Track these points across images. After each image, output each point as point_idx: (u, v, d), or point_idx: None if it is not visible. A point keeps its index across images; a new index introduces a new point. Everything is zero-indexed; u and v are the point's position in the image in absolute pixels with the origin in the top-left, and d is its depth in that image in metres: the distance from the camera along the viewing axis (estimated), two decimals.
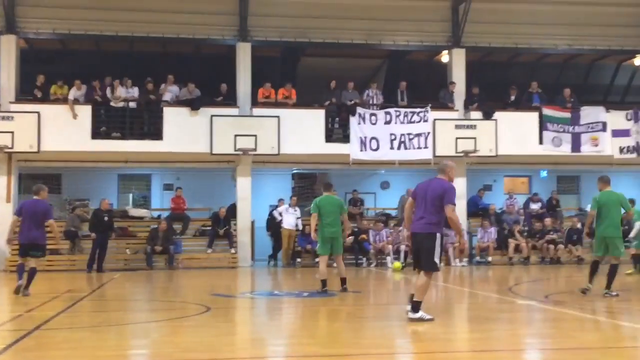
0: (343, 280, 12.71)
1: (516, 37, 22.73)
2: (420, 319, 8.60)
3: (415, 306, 8.65)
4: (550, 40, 22.96)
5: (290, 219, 20.85)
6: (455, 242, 20.74)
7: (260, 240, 21.98)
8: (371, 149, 20.85)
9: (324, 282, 12.43)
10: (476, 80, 23.26)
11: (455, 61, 22.33)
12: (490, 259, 20.82)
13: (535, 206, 22.68)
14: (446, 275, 17.67)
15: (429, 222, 8.63)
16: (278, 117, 20.46)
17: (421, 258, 8.73)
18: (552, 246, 21.09)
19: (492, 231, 21.21)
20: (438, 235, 8.65)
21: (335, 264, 13.31)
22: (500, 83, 24.06)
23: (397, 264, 19.09)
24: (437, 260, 8.65)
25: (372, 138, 20.79)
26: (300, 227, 20.81)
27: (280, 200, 21.65)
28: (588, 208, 19.36)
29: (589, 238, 13.85)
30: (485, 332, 8.56)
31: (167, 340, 7.91)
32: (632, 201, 15.63)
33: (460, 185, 21.96)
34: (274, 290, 14.53)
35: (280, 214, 21.15)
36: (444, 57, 22.83)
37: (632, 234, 16.15)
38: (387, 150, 20.90)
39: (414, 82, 23.96)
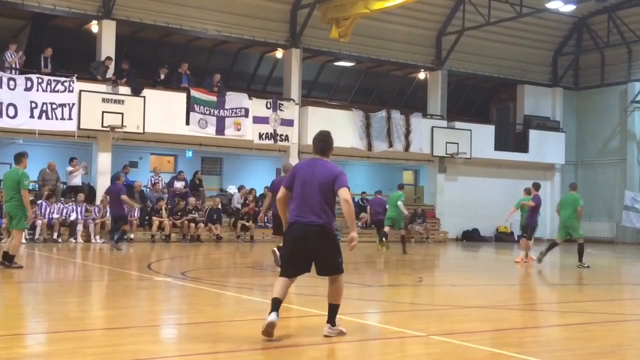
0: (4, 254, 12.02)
1: (168, 17, 22.86)
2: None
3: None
4: (201, 24, 23.54)
5: None
6: (97, 218, 20.29)
7: None
8: (8, 116, 19.30)
9: None
10: (127, 55, 22.90)
11: (105, 33, 21.67)
12: (132, 235, 20.70)
13: (179, 185, 23.13)
14: (85, 252, 17.16)
15: None
16: None
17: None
18: (193, 224, 21.75)
19: (136, 208, 21.11)
20: None
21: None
22: (151, 61, 24.03)
23: None
24: None
25: (10, 104, 19.25)
26: None
27: None
28: (233, 189, 21.70)
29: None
30: (121, 309, 8.51)
31: None
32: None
33: (105, 160, 21.53)
34: None
35: None
36: (94, 27, 22.01)
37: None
38: (26, 118, 19.54)
39: (61, 49, 22.74)
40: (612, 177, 29.82)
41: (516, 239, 20.56)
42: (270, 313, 6.53)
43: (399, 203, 18.94)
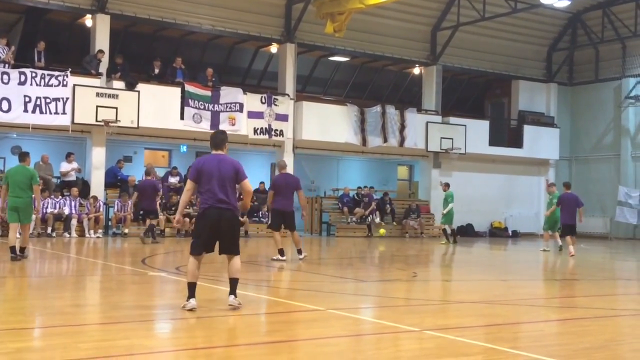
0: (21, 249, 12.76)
1: (163, 11, 22.81)
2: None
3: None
4: (195, 19, 23.49)
5: None
6: (91, 213, 20.26)
7: None
8: (2, 110, 19.25)
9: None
10: (121, 49, 22.85)
11: (99, 27, 21.61)
12: (126, 230, 20.68)
13: (174, 180, 23.11)
14: (80, 246, 17.14)
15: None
16: None
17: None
18: (187, 219, 21.67)
19: (130, 203, 21.09)
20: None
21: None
22: (145, 55, 23.98)
23: None
24: None
25: (4, 98, 19.21)
26: None
27: None
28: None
29: None
30: (115, 304, 8.50)
31: None
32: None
33: (99, 155, 21.49)
34: None
35: None
36: (88, 21, 21.94)
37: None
38: (20, 112, 19.50)
39: (55, 43, 22.67)
40: (606, 172, 29.90)
41: (542, 234, 21.66)
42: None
43: None
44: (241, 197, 9.15)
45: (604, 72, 30.41)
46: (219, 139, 8.19)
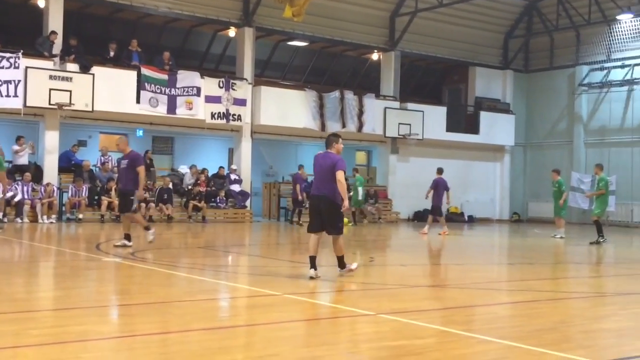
0: None
1: None
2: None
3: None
4: (152, 1, 23.12)
5: None
6: (44, 198, 19.90)
7: None
8: None
9: None
10: (75, 31, 22.37)
11: (53, 8, 21.09)
12: (81, 216, 20.37)
13: None
14: (32, 232, 16.84)
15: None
16: None
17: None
18: (143, 204, 21.45)
19: (84, 188, 20.77)
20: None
21: None
22: (100, 37, 23.54)
23: None
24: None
25: None
26: None
27: None
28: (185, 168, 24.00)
29: None
30: (68, 290, 8.40)
31: None
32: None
33: (52, 139, 21.08)
34: None
35: None
36: (40, 1, 21.43)
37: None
38: None
39: (6, 24, 22.13)
40: (560, 158, 30.41)
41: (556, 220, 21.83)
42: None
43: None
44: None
45: (558, 59, 30.89)
46: (327, 139, 9.73)
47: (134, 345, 5.70)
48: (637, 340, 6.47)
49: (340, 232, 9.46)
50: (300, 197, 22.68)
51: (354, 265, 9.86)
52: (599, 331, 6.87)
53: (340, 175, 9.15)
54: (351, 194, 22.84)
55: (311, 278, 9.16)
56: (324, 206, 9.33)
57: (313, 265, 9.26)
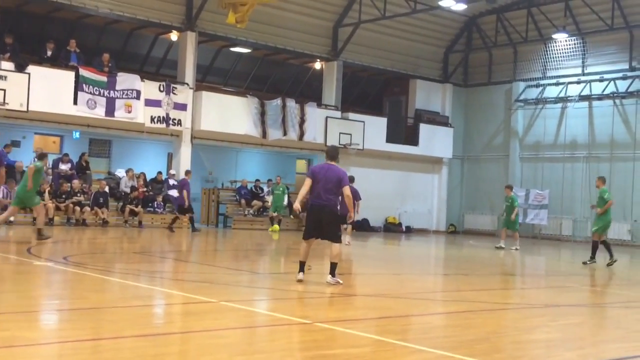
0: None
1: None
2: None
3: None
4: (92, 1, 22.71)
5: None
6: None
7: None
8: None
9: None
10: (11, 28, 21.81)
11: None
12: (12, 219, 19.74)
13: (64, 167, 22.29)
14: None
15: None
16: None
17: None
18: (78, 208, 21.03)
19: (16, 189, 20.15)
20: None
21: None
22: (37, 36, 23.00)
23: None
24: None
25: None
26: None
27: None
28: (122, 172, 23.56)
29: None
30: None
31: None
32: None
33: None
34: None
35: None
36: None
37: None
38: None
39: None
40: (496, 172, 31.11)
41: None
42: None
43: None
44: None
45: (496, 75, 31.62)
46: (332, 152, 10.28)
47: (63, 352, 5.55)
48: (566, 351, 6.64)
49: (339, 240, 10.19)
50: (187, 204, 20.96)
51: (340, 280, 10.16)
52: (529, 342, 7.02)
53: (347, 190, 10.00)
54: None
55: (299, 281, 9.82)
56: (325, 215, 9.95)
57: (302, 269, 9.99)
